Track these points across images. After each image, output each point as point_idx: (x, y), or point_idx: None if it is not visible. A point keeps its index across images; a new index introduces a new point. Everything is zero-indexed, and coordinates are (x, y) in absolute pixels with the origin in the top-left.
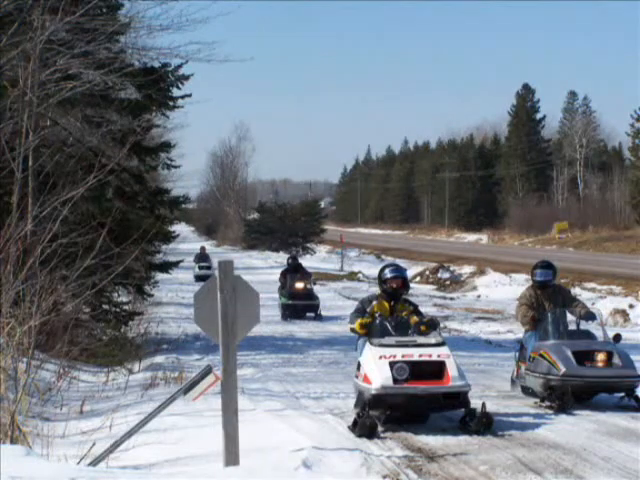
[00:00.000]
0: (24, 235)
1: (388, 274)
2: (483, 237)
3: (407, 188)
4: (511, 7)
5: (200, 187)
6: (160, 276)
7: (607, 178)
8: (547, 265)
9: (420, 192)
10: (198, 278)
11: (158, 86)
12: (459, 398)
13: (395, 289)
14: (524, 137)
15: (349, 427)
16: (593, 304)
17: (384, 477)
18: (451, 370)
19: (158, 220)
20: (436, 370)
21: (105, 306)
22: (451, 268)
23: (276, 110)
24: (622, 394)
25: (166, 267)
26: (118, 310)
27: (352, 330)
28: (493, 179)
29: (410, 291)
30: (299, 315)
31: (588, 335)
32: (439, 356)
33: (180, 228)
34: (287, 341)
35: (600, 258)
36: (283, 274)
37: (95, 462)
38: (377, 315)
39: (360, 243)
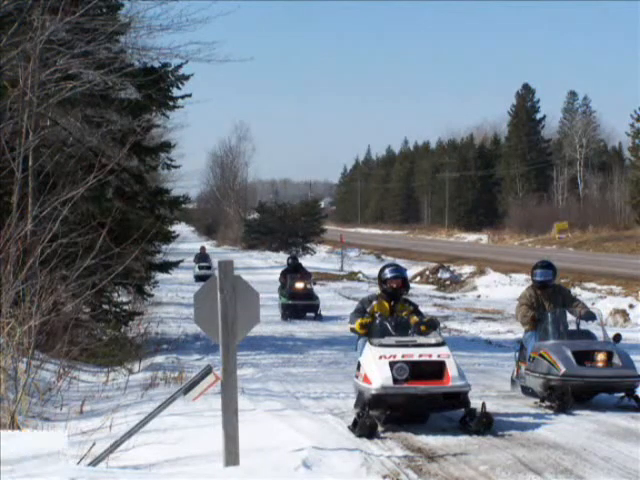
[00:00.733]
0: (24, 235)
1: (388, 274)
2: (483, 237)
3: (407, 188)
4: (511, 7)
5: (200, 187)
6: (160, 276)
7: (607, 178)
8: (547, 265)
9: (420, 192)
10: (198, 278)
11: (158, 86)
12: (459, 398)
13: (395, 289)
14: (524, 137)
15: (349, 427)
16: (593, 304)
17: (384, 477)
18: (451, 370)
19: (158, 220)
20: (436, 370)
21: (105, 306)
22: (451, 268)
23: (276, 110)
24: (622, 394)
25: (166, 267)
26: (118, 310)
27: (352, 330)
28: (493, 179)
29: (410, 291)
30: (299, 315)
31: (588, 335)
32: (439, 356)
33: (180, 228)
34: (287, 341)
35: (600, 258)
36: (283, 274)
37: (95, 462)
38: (377, 315)
39: (360, 243)
